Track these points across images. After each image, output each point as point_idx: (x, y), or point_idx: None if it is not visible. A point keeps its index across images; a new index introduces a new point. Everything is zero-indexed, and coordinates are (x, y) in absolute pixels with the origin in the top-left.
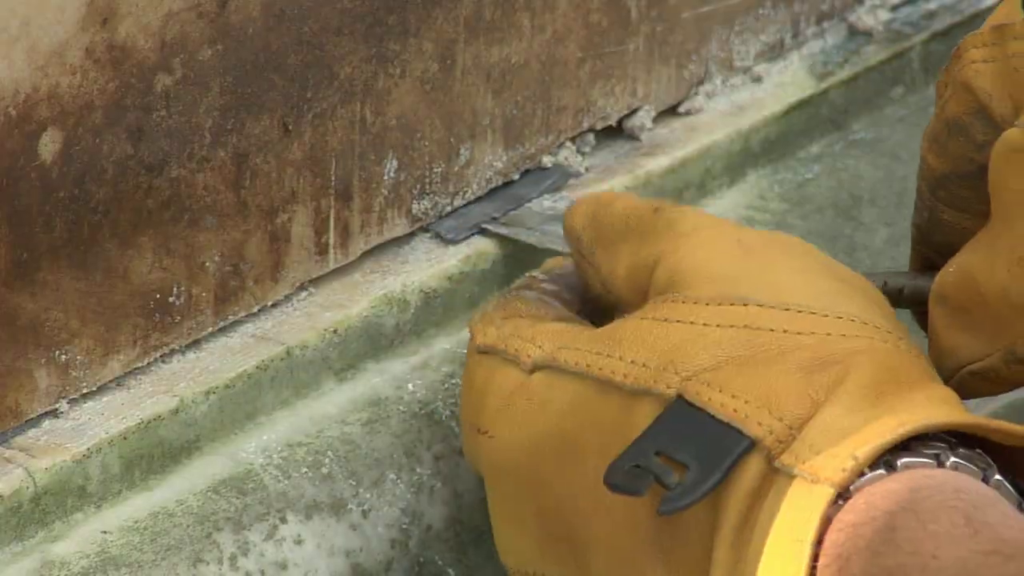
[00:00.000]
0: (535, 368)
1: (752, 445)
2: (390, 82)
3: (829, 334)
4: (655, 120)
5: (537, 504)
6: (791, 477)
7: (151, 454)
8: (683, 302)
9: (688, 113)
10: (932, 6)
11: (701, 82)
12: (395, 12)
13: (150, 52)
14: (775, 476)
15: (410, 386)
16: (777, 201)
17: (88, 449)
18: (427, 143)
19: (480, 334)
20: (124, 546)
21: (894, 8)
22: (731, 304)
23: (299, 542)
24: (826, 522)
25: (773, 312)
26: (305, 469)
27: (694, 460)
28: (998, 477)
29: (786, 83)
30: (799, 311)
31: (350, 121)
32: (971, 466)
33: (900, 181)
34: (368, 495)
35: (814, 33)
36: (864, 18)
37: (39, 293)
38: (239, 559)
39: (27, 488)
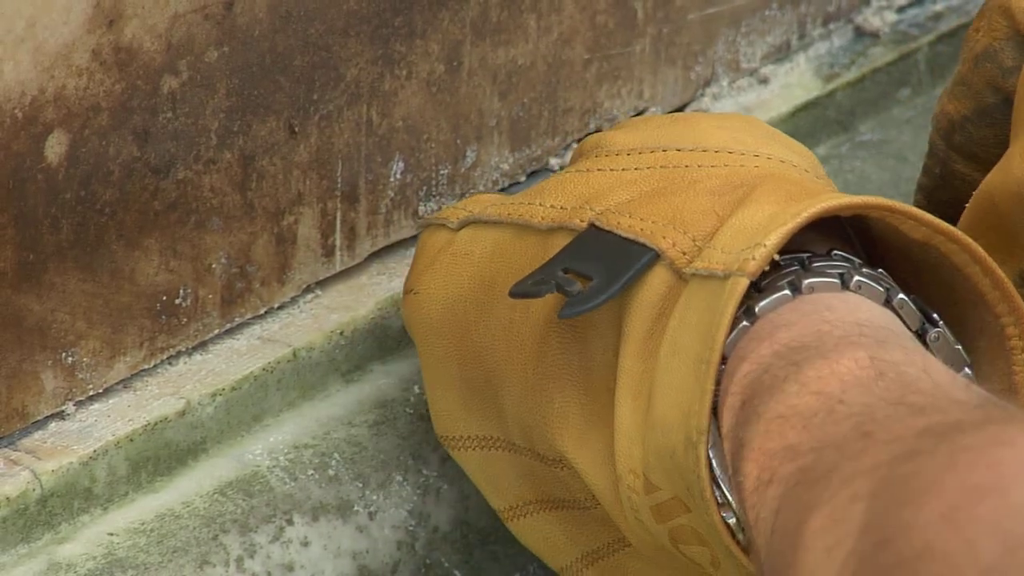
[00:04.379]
0: (461, 227)
1: (656, 257)
2: (396, 84)
3: (742, 166)
4: None
5: (459, 356)
6: (702, 279)
7: (157, 456)
8: (605, 155)
9: None
10: (939, 8)
11: (707, 83)
12: (401, 14)
13: (156, 54)
14: (685, 286)
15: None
16: None
17: (94, 451)
18: (433, 145)
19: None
20: (130, 548)
21: (901, 10)
22: (650, 152)
23: (305, 544)
24: (733, 340)
25: (690, 154)
26: (311, 471)
27: (598, 272)
28: (902, 296)
29: (792, 85)
30: (716, 151)
31: (356, 123)
32: (875, 286)
33: (907, 182)
34: (375, 497)
35: (820, 35)
36: (871, 20)
37: (45, 295)
38: (245, 561)
39: (33, 490)
